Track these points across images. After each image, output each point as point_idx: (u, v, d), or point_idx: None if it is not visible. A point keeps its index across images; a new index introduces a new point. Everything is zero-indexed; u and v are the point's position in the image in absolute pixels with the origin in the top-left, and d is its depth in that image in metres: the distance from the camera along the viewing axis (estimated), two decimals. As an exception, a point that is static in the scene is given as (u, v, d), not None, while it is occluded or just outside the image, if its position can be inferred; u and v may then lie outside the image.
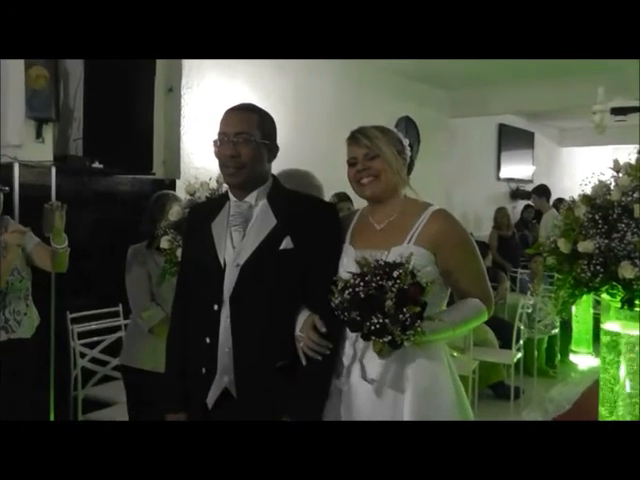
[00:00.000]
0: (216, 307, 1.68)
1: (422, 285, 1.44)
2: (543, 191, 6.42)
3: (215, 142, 1.73)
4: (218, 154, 1.73)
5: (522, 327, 4.45)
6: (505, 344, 4.62)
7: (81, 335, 3.37)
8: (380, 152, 1.71)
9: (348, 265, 1.69)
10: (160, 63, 4.13)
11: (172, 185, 4.20)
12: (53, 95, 3.34)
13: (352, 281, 1.45)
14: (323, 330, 1.60)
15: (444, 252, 1.65)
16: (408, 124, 6.67)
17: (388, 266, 1.45)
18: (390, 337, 1.40)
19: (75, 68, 3.77)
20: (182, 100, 4.31)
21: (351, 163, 1.76)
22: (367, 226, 1.79)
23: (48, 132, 3.39)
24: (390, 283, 1.41)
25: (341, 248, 1.76)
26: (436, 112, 6.91)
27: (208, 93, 4.44)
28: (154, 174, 4.08)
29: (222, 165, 1.72)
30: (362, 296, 1.42)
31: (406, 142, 1.78)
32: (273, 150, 1.77)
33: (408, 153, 1.79)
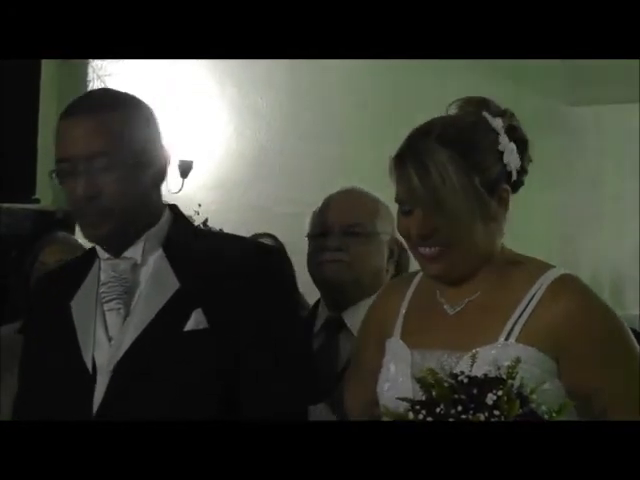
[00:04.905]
0: None
1: (541, 419, 1.44)
2: None
3: (53, 175, 1.80)
4: (67, 193, 1.80)
5: None
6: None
7: None
8: (445, 203, 1.65)
9: (397, 378, 1.73)
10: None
11: (69, 220, 4.18)
12: None
13: (412, 416, 1.46)
14: None
15: (576, 358, 1.65)
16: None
17: (475, 385, 1.44)
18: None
19: None
20: (90, 72, 4.56)
21: (403, 210, 1.73)
22: (431, 307, 1.80)
23: None
24: (483, 417, 1.41)
25: (298, 322, 1.87)
26: (545, 95, 7.11)
27: (143, 61, 4.61)
28: (37, 201, 4.27)
29: (74, 210, 1.80)
30: None
31: (509, 147, 1.72)
32: (158, 165, 1.83)
33: (515, 163, 1.74)
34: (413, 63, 5.83)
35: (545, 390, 1.52)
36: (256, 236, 4.08)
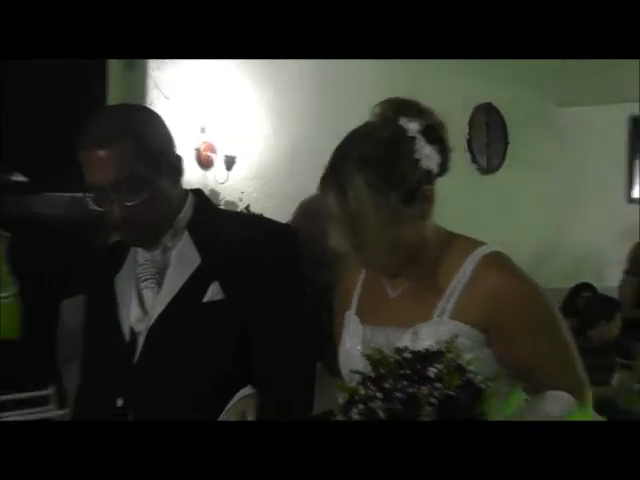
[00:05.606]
0: (120, 402, 1.85)
1: (478, 387, 1.42)
2: None
3: (86, 199, 1.83)
4: (105, 213, 1.85)
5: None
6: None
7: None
8: (358, 225, 1.66)
9: (352, 352, 1.80)
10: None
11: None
12: None
13: (362, 391, 1.44)
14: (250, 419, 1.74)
15: (503, 329, 1.68)
16: (490, 116, 6.95)
17: (419, 359, 1.45)
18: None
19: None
20: (149, 79, 4.85)
21: None
22: (378, 288, 1.84)
23: None
24: (426, 390, 1.39)
25: (302, 296, 1.90)
26: (536, 97, 7.11)
27: (193, 70, 4.98)
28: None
29: (113, 227, 1.89)
30: (382, 416, 1.40)
31: (425, 152, 1.69)
32: (176, 164, 1.90)
33: (434, 163, 1.71)
34: (435, 62, 5.86)
35: (477, 359, 1.51)
36: None
